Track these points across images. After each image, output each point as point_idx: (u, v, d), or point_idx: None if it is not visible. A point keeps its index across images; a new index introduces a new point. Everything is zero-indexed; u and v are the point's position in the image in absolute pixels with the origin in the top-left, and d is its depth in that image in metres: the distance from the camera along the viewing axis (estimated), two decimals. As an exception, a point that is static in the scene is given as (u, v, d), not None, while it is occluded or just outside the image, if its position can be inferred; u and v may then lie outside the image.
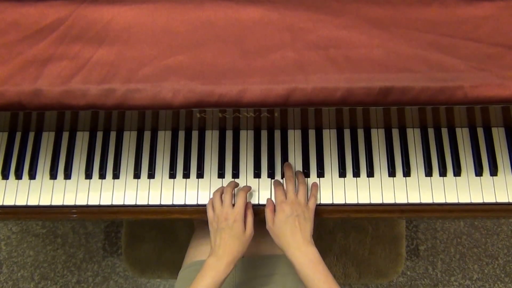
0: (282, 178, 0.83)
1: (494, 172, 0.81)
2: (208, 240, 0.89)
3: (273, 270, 0.85)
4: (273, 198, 0.80)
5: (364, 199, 0.81)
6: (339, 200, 0.81)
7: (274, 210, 0.77)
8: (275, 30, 0.67)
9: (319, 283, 0.68)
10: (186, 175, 0.83)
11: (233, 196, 0.80)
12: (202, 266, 0.72)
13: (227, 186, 0.79)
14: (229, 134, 0.85)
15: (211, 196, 0.81)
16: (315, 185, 0.81)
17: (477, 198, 0.80)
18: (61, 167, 0.84)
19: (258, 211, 0.81)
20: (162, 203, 0.82)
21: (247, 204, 0.78)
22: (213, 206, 0.77)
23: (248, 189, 0.80)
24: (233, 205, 0.76)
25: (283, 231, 0.73)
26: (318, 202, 0.81)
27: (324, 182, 0.82)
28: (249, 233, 0.75)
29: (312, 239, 0.73)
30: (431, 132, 0.84)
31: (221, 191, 0.79)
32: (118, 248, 1.43)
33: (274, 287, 0.83)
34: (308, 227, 0.74)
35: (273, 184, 0.80)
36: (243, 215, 0.75)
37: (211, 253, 0.73)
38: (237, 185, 0.81)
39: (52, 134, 0.86)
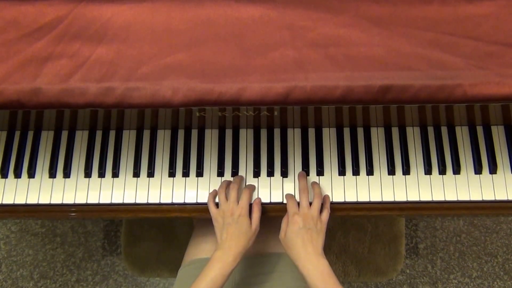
0: (281, 177, 0.83)
1: (493, 170, 0.81)
2: (207, 239, 0.89)
3: (272, 268, 0.85)
4: (276, 200, 0.80)
5: (363, 197, 0.81)
6: (338, 198, 0.81)
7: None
8: (274, 28, 0.67)
9: None
10: (186, 174, 0.83)
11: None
12: (209, 259, 0.73)
13: (233, 182, 0.79)
14: (228, 133, 0.85)
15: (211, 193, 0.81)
16: (327, 197, 0.80)
17: (476, 196, 0.80)
18: (60, 166, 0.84)
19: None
20: (162, 201, 0.82)
21: (255, 200, 0.79)
22: (217, 202, 0.78)
23: (253, 187, 0.81)
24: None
25: (295, 243, 0.73)
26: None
27: (323, 181, 0.82)
28: (255, 228, 0.76)
29: (323, 251, 0.73)
30: (430, 130, 0.84)
31: (225, 187, 0.79)
32: (117, 247, 1.43)
33: (273, 285, 0.83)
34: (320, 240, 0.74)
35: (286, 197, 0.79)
36: (248, 210, 0.76)
37: (218, 247, 0.74)
38: (242, 179, 0.81)
39: (51, 132, 0.86)
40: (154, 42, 0.66)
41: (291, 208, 0.76)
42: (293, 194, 0.81)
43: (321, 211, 0.77)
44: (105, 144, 0.85)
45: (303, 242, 0.72)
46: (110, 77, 0.63)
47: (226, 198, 0.78)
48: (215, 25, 0.67)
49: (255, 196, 0.81)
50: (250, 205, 0.78)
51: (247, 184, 0.82)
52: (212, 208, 0.78)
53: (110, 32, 0.67)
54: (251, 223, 0.76)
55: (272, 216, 0.81)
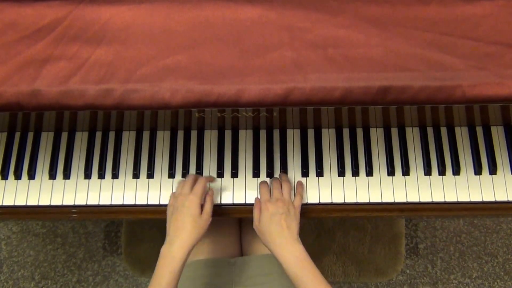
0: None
1: (493, 170, 0.81)
2: (205, 239, 0.89)
3: (271, 268, 0.85)
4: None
5: (363, 198, 0.81)
6: (338, 199, 0.81)
7: (260, 209, 0.76)
8: (273, 29, 0.66)
9: (307, 280, 0.68)
10: (185, 175, 0.83)
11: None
12: (159, 256, 0.70)
13: (191, 175, 0.78)
14: (228, 134, 0.85)
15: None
16: (300, 183, 0.81)
17: (476, 197, 0.80)
18: (60, 167, 0.84)
19: (257, 210, 0.81)
20: (161, 202, 0.82)
21: (208, 192, 0.77)
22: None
23: (210, 178, 0.80)
24: None
25: (269, 229, 0.72)
26: (317, 201, 0.81)
27: (323, 181, 0.82)
28: (206, 217, 0.73)
29: (299, 237, 0.73)
30: (430, 131, 0.84)
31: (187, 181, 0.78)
32: (118, 248, 1.43)
33: (273, 286, 0.83)
34: (294, 225, 0.73)
35: (259, 184, 0.80)
36: (200, 198, 0.74)
37: (165, 240, 0.71)
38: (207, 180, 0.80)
39: (51, 134, 0.86)
40: (153, 43, 0.66)
41: (264, 195, 0.76)
42: (267, 182, 0.80)
43: (294, 198, 0.78)
44: (104, 145, 0.85)
45: (277, 229, 0.72)
46: (109, 79, 0.63)
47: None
48: (214, 27, 0.67)
49: (254, 197, 0.82)
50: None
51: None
52: (171, 199, 0.76)
53: (109, 34, 0.67)
54: (201, 212, 0.73)
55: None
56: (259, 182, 0.82)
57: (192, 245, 0.70)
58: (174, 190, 0.81)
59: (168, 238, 0.71)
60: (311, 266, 0.70)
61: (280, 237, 0.71)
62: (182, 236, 0.70)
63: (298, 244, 0.71)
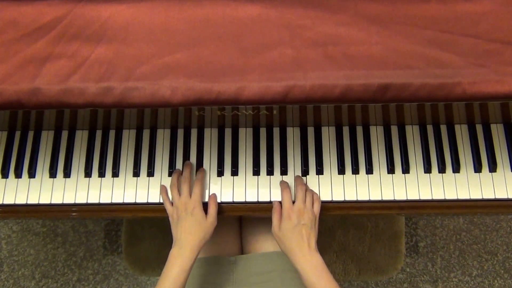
0: (281, 175, 0.83)
1: (493, 168, 0.81)
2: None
3: (272, 266, 0.85)
4: (276, 198, 0.80)
5: (363, 196, 0.81)
6: (338, 197, 0.81)
7: (281, 215, 0.76)
8: (273, 27, 0.67)
9: None
10: (185, 173, 0.83)
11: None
12: (168, 258, 0.73)
13: (183, 176, 0.80)
14: (228, 132, 0.85)
15: (175, 191, 0.80)
16: (315, 193, 0.81)
17: (476, 195, 0.80)
18: (61, 166, 0.84)
19: (257, 208, 0.81)
20: (161, 201, 0.82)
21: (211, 196, 0.80)
22: (171, 200, 0.79)
23: (202, 176, 0.81)
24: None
25: (289, 239, 0.74)
26: (317, 199, 0.81)
27: (323, 179, 0.82)
28: (211, 220, 0.77)
29: (316, 246, 0.74)
30: (430, 129, 0.84)
31: (176, 180, 0.80)
32: (118, 246, 1.43)
33: (273, 284, 0.83)
34: (313, 235, 0.74)
35: (281, 186, 0.79)
36: (201, 202, 0.77)
37: (174, 243, 0.75)
38: (192, 168, 0.82)
39: (52, 132, 0.86)
40: (153, 41, 0.66)
41: (286, 202, 0.76)
42: (288, 183, 0.80)
43: (313, 205, 0.78)
44: (105, 143, 0.85)
45: (298, 239, 0.73)
46: (109, 77, 0.63)
47: (179, 193, 0.78)
48: (214, 25, 0.67)
49: (254, 195, 0.82)
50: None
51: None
52: (168, 206, 0.78)
53: (109, 32, 0.67)
54: (206, 215, 0.76)
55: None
56: (258, 179, 0.82)
57: (201, 246, 0.74)
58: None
59: (177, 242, 0.74)
60: (328, 275, 0.71)
61: (300, 246, 0.73)
62: (192, 239, 0.73)
63: (316, 253, 0.73)
